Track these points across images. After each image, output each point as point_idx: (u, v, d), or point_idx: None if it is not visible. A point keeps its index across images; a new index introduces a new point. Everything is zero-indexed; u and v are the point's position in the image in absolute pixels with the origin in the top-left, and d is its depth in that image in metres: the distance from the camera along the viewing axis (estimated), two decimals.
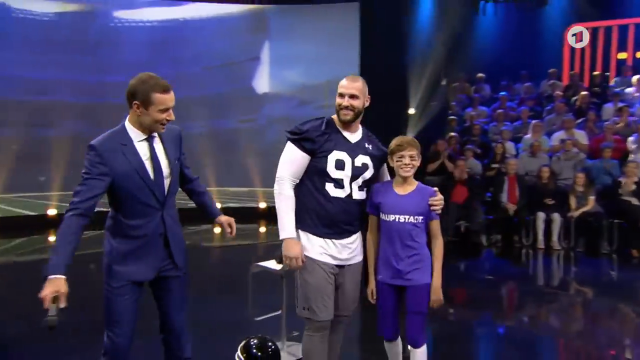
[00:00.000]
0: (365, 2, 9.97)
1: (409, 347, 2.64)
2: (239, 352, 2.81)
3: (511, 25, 10.66)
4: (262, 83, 10.33)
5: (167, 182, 2.37)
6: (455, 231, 7.64)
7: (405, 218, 2.57)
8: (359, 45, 9.88)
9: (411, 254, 2.57)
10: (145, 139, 2.31)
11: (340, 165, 2.53)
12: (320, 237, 2.56)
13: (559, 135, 8.22)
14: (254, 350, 2.79)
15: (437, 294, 2.60)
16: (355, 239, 2.66)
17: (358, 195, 2.59)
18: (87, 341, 3.39)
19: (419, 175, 8.82)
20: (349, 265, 2.63)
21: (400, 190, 2.63)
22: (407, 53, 9.76)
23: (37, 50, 8.77)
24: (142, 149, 2.30)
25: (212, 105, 10.03)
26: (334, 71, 9.33)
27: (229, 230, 2.59)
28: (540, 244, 7.23)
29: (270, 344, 2.85)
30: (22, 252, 7.56)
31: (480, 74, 10.55)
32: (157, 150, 2.34)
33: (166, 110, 2.26)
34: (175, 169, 2.40)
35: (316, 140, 2.50)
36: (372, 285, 2.69)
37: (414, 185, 2.65)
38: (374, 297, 2.69)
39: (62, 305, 2.02)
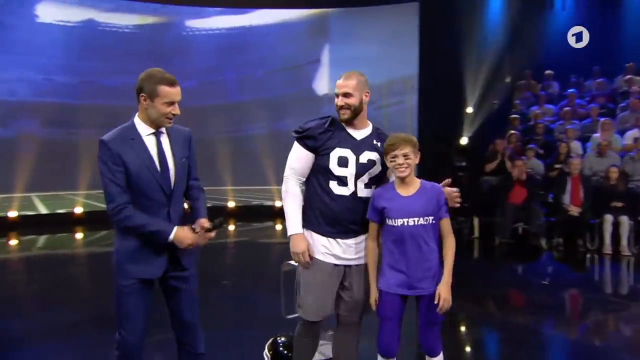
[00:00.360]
0: (425, 2, 9.89)
1: (426, 357, 2.54)
2: (266, 349, 3.02)
3: (583, 19, 10.07)
4: (322, 85, 10.57)
5: (173, 178, 2.39)
6: (513, 233, 7.44)
7: (414, 221, 2.40)
8: (418, 45, 9.78)
9: (422, 260, 2.41)
10: (152, 134, 2.36)
11: (343, 162, 2.49)
12: (324, 236, 2.52)
13: (633, 133, 7.75)
14: (281, 348, 2.99)
15: (446, 292, 2.38)
16: (363, 240, 2.56)
17: (364, 193, 2.52)
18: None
19: (476, 174, 8.60)
20: (356, 265, 2.56)
21: (404, 191, 2.45)
22: (467, 51, 9.52)
23: (118, 60, 9.52)
24: (150, 143, 2.35)
25: (273, 108, 10.37)
26: (393, 72, 9.43)
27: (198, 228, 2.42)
28: (607, 249, 6.85)
29: None
30: (106, 244, 8.12)
31: (548, 71, 10.08)
32: (163, 145, 2.38)
33: (172, 103, 2.31)
34: (181, 166, 2.42)
35: (318, 137, 2.50)
36: (375, 294, 2.51)
37: (417, 184, 2.47)
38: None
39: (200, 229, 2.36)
